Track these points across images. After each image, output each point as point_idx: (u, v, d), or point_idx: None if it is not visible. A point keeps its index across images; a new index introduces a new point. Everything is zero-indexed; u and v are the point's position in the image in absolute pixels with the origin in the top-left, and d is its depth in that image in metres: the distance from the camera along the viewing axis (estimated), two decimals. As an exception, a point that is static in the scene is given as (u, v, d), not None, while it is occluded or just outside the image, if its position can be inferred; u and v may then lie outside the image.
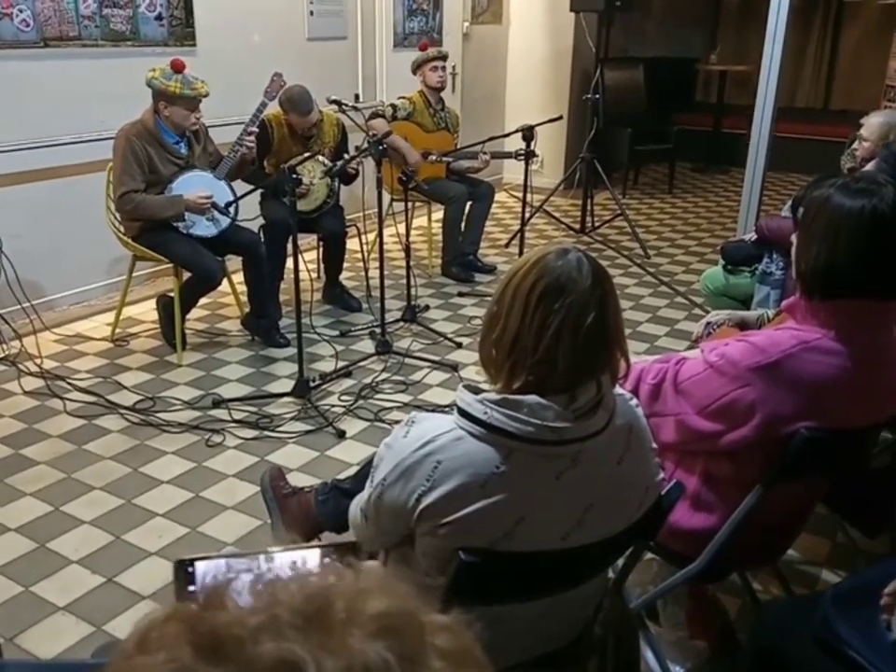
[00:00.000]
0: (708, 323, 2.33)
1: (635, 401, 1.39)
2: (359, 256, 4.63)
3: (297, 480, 2.55)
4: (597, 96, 5.79)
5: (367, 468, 1.55)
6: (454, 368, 3.70)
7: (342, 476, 2.24)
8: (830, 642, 1.38)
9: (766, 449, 1.62)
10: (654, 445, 1.40)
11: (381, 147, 3.55)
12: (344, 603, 0.44)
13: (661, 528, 1.41)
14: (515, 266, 1.28)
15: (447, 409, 3.07)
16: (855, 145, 3.68)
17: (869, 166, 2.28)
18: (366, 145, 3.64)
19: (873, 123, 3.54)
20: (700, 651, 1.96)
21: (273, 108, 4.06)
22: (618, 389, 1.33)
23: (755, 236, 3.46)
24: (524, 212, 4.46)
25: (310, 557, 1.30)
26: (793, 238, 1.72)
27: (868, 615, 1.37)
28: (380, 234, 3.87)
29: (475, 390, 1.25)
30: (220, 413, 3.24)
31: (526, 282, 1.23)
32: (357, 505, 1.41)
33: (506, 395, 1.22)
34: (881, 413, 1.71)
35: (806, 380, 1.59)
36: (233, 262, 4.04)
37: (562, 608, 1.37)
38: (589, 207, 5.93)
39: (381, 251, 3.81)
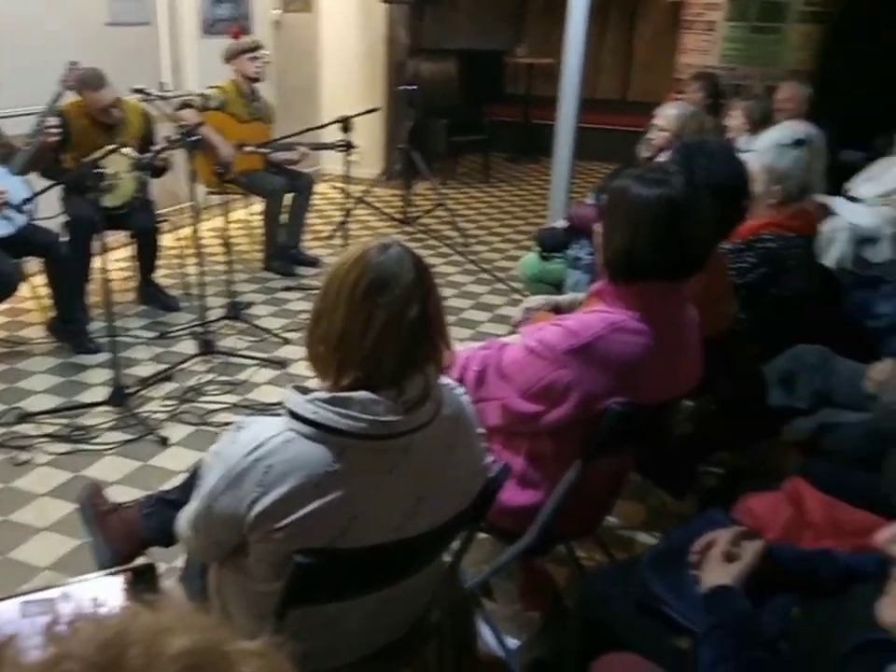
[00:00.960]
0: (527, 308, 2.43)
1: (461, 389, 1.43)
2: (175, 252, 4.44)
3: (118, 493, 2.41)
4: (412, 87, 5.85)
5: (195, 476, 1.50)
6: (282, 364, 3.63)
7: (167, 486, 2.14)
8: (648, 602, 1.50)
9: (584, 426, 1.72)
10: (481, 430, 1.45)
11: (192, 139, 3.41)
12: (142, 647, 0.42)
13: (491, 509, 1.46)
14: (338, 262, 1.28)
15: (277, 407, 3.01)
16: (650, 134, 3.95)
17: (663, 156, 2.46)
18: (176, 136, 3.48)
19: (669, 115, 3.81)
20: (533, 621, 2.05)
21: (72, 98, 3.79)
22: (444, 379, 1.37)
23: (567, 223, 3.64)
24: (345, 204, 4.44)
25: (110, 589, 1.23)
26: (597, 226, 1.83)
27: (680, 574, 1.49)
28: (196, 229, 3.72)
29: (303, 390, 1.24)
30: (27, 427, 3.01)
31: (350, 278, 1.23)
32: (185, 517, 1.36)
33: (335, 393, 1.22)
34: (683, 385, 1.86)
35: (616, 359, 1.69)
36: (35, 264, 3.74)
37: (400, 598, 1.39)
38: (409, 198, 6.00)
39: (198, 247, 3.66)
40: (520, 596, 2.07)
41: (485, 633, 1.91)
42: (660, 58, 7.93)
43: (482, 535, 1.89)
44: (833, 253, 3.51)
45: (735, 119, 4.38)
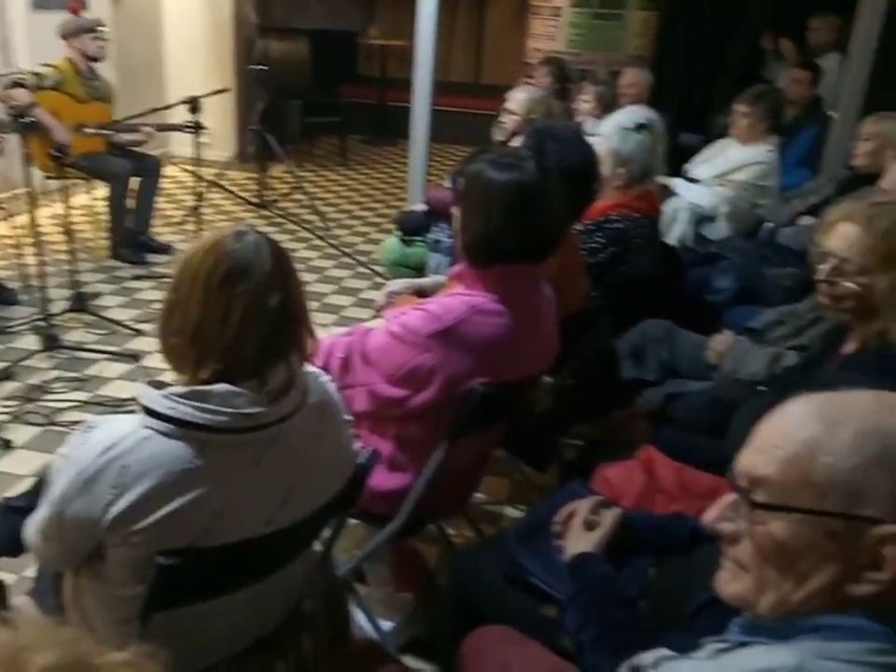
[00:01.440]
0: (390, 292, 2.44)
1: (326, 377, 1.42)
2: (12, 242, 4.13)
3: (-43, 504, 2.23)
4: (262, 67, 5.70)
5: (42, 481, 1.41)
6: (134, 358, 3.47)
7: (13, 493, 2.00)
8: (516, 574, 1.55)
9: (449, 407, 1.75)
10: (349, 417, 1.44)
11: (25, 120, 3.18)
12: (2, 668, 0.40)
13: (361, 495, 1.47)
14: (191, 250, 1.23)
15: (131, 403, 2.88)
16: (503, 118, 4.03)
17: (517, 140, 2.52)
18: (7, 117, 3.24)
19: (519, 99, 3.90)
20: (406, 602, 2.08)
21: None
22: (309, 367, 1.35)
23: (426, 207, 3.67)
24: (197, 187, 4.27)
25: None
26: (455, 210, 1.85)
27: (545, 545, 1.55)
28: (34, 216, 3.47)
29: (159, 385, 1.19)
30: None
31: (204, 267, 1.19)
32: (33, 525, 1.28)
33: (193, 386, 1.18)
34: (542, 363, 1.93)
35: (478, 341, 1.73)
36: None
37: (272, 591, 1.37)
38: (265, 180, 5.85)
39: (37, 235, 3.42)
40: (392, 579, 2.09)
41: (359, 618, 1.92)
42: (510, 42, 8.09)
43: (352, 521, 1.89)
44: (675, 232, 3.72)
45: (585, 103, 4.54)
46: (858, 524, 0.78)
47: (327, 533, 1.51)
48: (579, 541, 1.47)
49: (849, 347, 1.85)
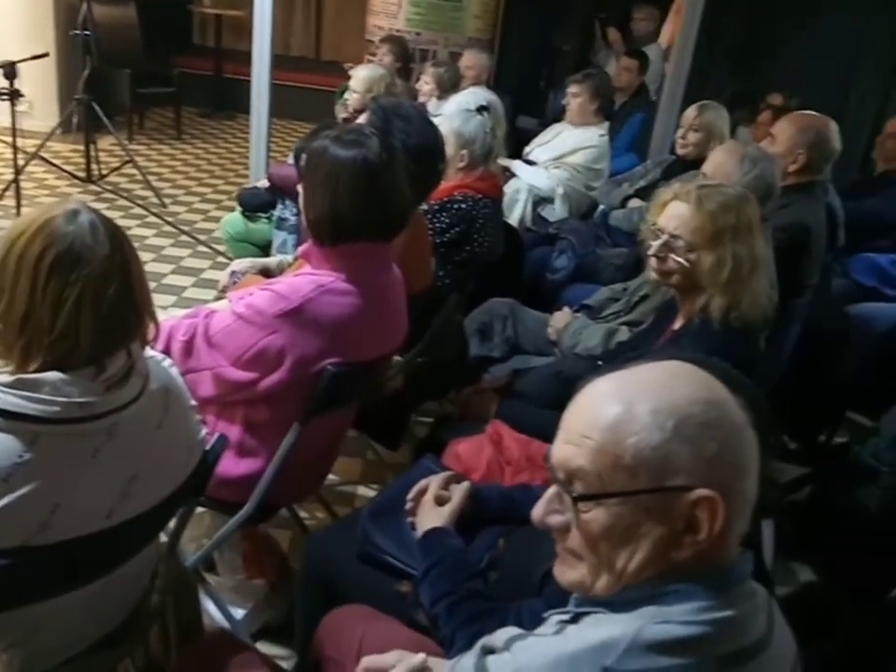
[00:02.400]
0: (233, 272, 2.36)
1: (168, 362, 1.36)
2: None
3: None
4: (86, 33, 5.32)
5: None
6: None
7: None
8: (370, 553, 1.56)
9: (299, 389, 1.72)
10: (194, 402, 1.39)
11: None
12: None
13: (209, 482, 1.42)
14: (16, 230, 1.13)
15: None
16: (346, 95, 3.99)
17: (361, 118, 2.50)
18: None
19: (360, 76, 3.87)
20: (259, 588, 2.04)
21: None
22: (150, 352, 1.29)
23: (268, 183, 3.58)
24: (16, 159, 3.95)
25: None
26: (299, 187, 1.82)
27: (399, 522, 1.57)
28: None
29: (-20, 375, 1.10)
30: None
31: (32, 250, 1.10)
32: None
33: (21, 375, 1.10)
34: (392, 342, 1.94)
35: (327, 320, 1.71)
36: None
37: (116, 586, 1.31)
38: (93, 153, 5.48)
39: None
40: (244, 566, 2.04)
41: (210, 607, 1.87)
42: (351, 18, 7.99)
43: (201, 509, 1.83)
44: (515, 213, 3.83)
45: (426, 83, 4.56)
46: (670, 494, 0.83)
47: (173, 523, 1.46)
48: (430, 517, 1.49)
49: (678, 322, 1.98)
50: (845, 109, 4.52)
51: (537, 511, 0.93)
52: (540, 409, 2.00)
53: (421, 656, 1.16)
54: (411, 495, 1.56)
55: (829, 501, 2.39)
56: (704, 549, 0.84)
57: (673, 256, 1.87)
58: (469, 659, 0.93)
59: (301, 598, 1.72)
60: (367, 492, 2.58)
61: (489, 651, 0.92)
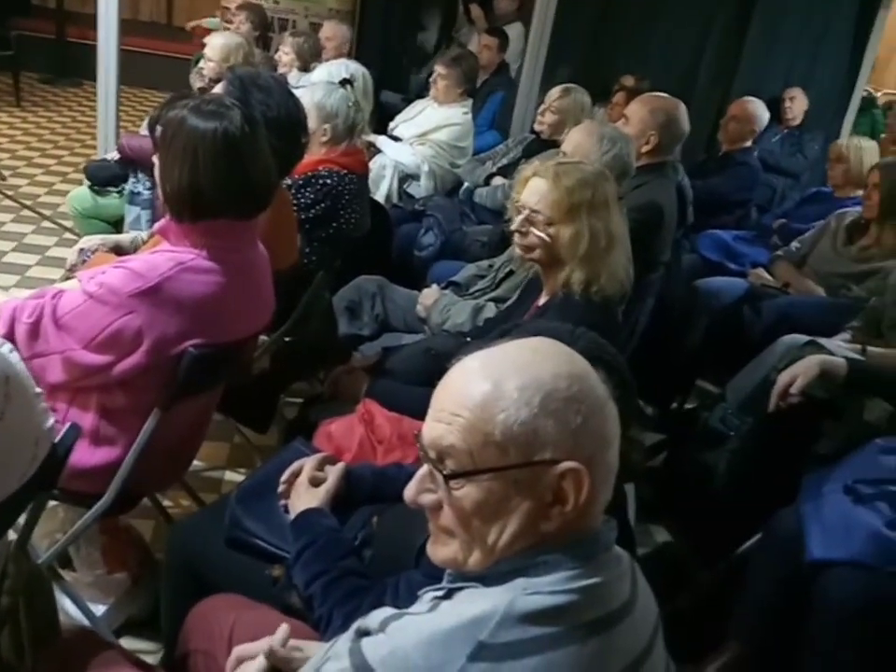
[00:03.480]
0: (82, 249, 2.23)
1: (8, 346, 1.25)
2: None
3: None
4: None
5: None
6: None
7: None
8: (240, 538, 1.52)
9: (160, 372, 1.65)
10: (39, 390, 1.30)
11: None
12: None
13: (61, 474, 1.33)
14: None
15: None
16: (201, 64, 3.82)
17: (218, 88, 2.39)
18: None
19: (216, 44, 3.71)
20: (121, 583, 1.95)
21: None
22: (-11, 337, 1.19)
23: (118, 155, 3.38)
24: None
25: None
26: (155, 159, 1.73)
27: (270, 505, 1.54)
28: None
29: None
30: None
31: None
32: None
33: None
34: (258, 321, 1.88)
35: (188, 300, 1.63)
36: None
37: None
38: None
39: None
40: (104, 560, 1.94)
41: (67, 605, 1.77)
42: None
43: (53, 503, 1.73)
44: (382, 189, 3.81)
45: (286, 54, 4.44)
46: (539, 468, 0.85)
47: (22, 520, 1.36)
48: (304, 499, 1.47)
49: (542, 298, 2.03)
50: (692, 91, 4.75)
51: (409, 491, 0.93)
52: (411, 386, 2.01)
53: (284, 627, 1.14)
54: (284, 477, 1.53)
55: (681, 465, 2.54)
56: (571, 519, 0.87)
57: (534, 230, 1.91)
58: (343, 643, 0.92)
59: (166, 590, 1.65)
60: (234, 477, 2.51)
61: (364, 633, 0.91)
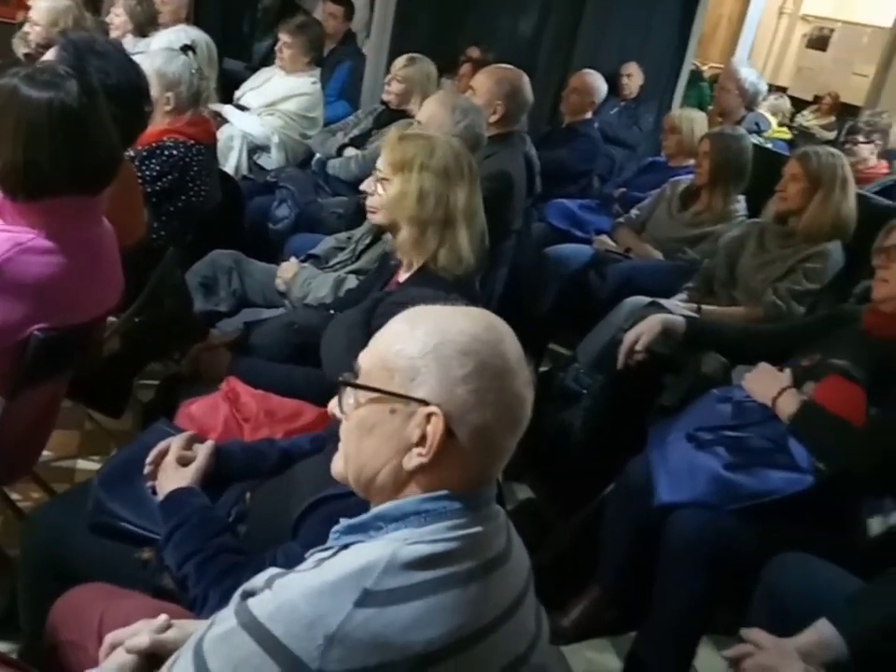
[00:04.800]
0: None
1: None
2: None
3: None
4: None
5: None
6: None
7: None
8: (105, 523, 1.47)
9: (3, 359, 1.56)
10: None
11: None
12: None
13: None
14: None
15: None
16: (27, 28, 3.55)
17: (49, 54, 2.24)
18: None
19: (41, 7, 3.46)
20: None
21: None
22: None
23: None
24: None
25: None
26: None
27: (136, 488, 1.49)
28: None
29: None
30: None
31: None
32: None
33: None
34: (107, 302, 1.80)
35: (29, 282, 1.55)
36: None
37: None
38: None
39: None
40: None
41: None
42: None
43: None
44: (231, 160, 3.69)
45: (117, 16, 4.19)
46: (413, 404, 0.91)
47: None
48: (173, 479, 1.44)
49: (401, 276, 2.04)
50: (535, 64, 4.87)
51: (332, 403, 1.02)
52: (276, 364, 1.99)
53: (163, 616, 1.13)
54: (150, 458, 1.48)
55: (540, 425, 2.66)
56: (427, 462, 0.92)
57: (378, 191, 1.92)
58: (228, 608, 0.92)
59: (25, 587, 1.57)
60: (88, 465, 2.40)
61: (249, 594, 0.92)
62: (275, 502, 1.41)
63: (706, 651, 2.01)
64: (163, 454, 1.49)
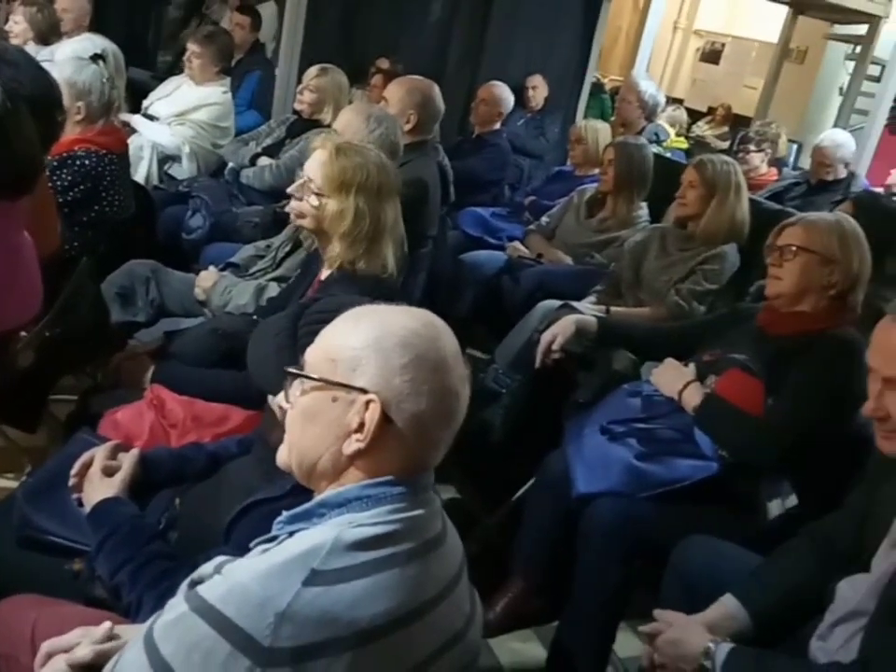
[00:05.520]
0: None
1: None
2: None
3: None
4: None
5: None
6: None
7: None
8: (31, 537, 1.44)
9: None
10: None
11: None
12: None
13: None
14: None
15: None
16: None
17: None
18: None
19: (-64, 13, 3.32)
20: None
21: None
22: None
23: None
24: None
25: None
26: None
27: (62, 500, 1.47)
28: None
29: None
30: None
31: None
32: None
33: None
34: (24, 313, 1.77)
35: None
36: None
37: None
38: None
39: None
40: None
41: None
42: None
43: None
44: (140, 170, 3.63)
45: (17, 24, 4.06)
46: (354, 393, 0.97)
47: None
48: (99, 489, 1.43)
49: (323, 273, 2.08)
50: (443, 75, 4.95)
51: (277, 398, 1.09)
52: (201, 369, 1.98)
53: (106, 624, 1.14)
54: (74, 470, 1.47)
55: (463, 425, 2.72)
56: (365, 448, 0.96)
57: (307, 197, 1.95)
58: (177, 597, 0.95)
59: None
60: (4, 483, 2.32)
61: (198, 582, 0.95)
62: (206, 506, 1.42)
63: (625, 635, 2.10)
64: (87, 465, 1.48)
